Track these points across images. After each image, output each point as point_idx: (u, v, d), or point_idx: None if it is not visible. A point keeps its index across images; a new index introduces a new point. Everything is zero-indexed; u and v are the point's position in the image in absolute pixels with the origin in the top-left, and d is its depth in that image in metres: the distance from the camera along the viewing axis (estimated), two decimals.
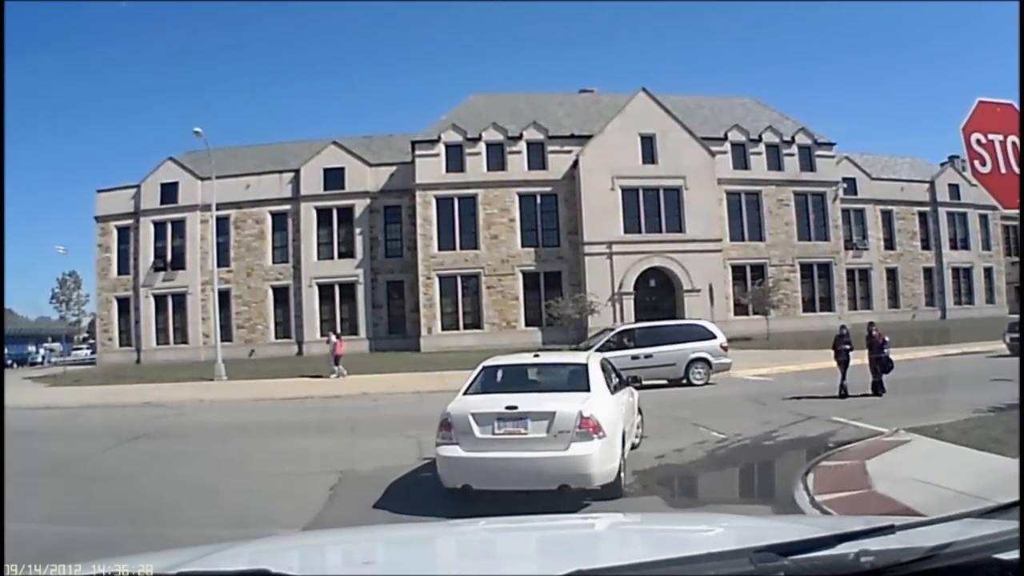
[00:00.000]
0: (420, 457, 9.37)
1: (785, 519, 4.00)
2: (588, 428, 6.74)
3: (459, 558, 2.50)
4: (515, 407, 6.93)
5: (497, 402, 7.13)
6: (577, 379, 7.72)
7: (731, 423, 11.96)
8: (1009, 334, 22.24)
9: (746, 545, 1.67)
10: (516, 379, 8.28)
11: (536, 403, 7.16)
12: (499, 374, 8.24)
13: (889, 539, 1.70)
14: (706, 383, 18.43)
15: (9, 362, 52.08)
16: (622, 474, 7.28)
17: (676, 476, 8.99)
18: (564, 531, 2.82)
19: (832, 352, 15.65)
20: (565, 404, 6.98)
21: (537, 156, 38.85)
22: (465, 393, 7.64)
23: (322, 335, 34.68)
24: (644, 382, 17.25)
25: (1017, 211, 6.50)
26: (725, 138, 40.77)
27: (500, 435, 6.86)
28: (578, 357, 9.20)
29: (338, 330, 29.83)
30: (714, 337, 18.89)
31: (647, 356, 18.23)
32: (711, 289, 25.75)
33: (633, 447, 8.98)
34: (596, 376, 7.74)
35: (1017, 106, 6.14)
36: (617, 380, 8.74)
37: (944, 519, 1.88)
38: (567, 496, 6.61)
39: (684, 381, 18.35)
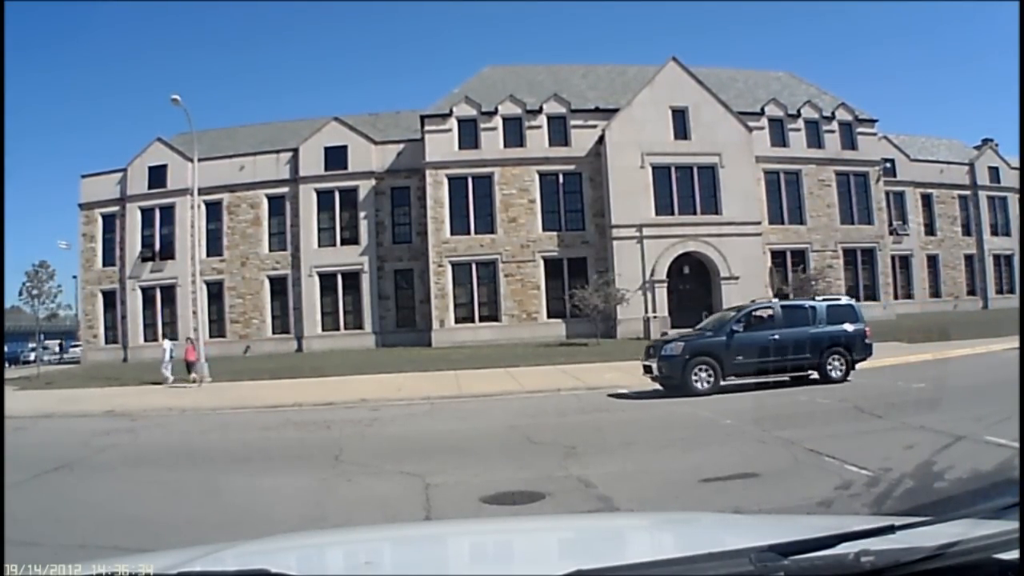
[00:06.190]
0: (424, 520, 6.10)
1: (785, 519, 3.57)
2: None
3: (460, 558, 2.39)
4: None
5: None
6: None
7: (862, 448, 8.55)
8: (647, 361, 15.50)
9: (746, 545, 1.61)
10: None
11: None
12: None
13: (890, 539, 1.66)
14: None
15: None
16: None
17: None
18: (564, 531, 2.80)
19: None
20: None
21: (559, 131, 35.36)
22: None
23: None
24: None
25: None
26: (762, 113, 37.64)
27: None
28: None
29: (193, 334, 25.10)
30: None
31: None
32: (771, 272, 22.47)
33: None
34: None
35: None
36: None
37: (944, 519, 1.85)
38: None
39: None
